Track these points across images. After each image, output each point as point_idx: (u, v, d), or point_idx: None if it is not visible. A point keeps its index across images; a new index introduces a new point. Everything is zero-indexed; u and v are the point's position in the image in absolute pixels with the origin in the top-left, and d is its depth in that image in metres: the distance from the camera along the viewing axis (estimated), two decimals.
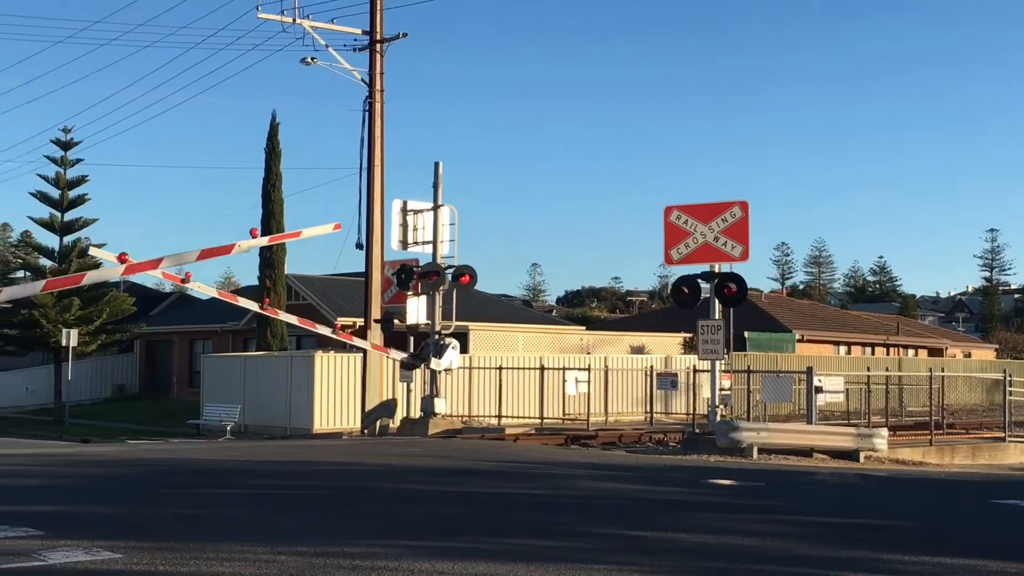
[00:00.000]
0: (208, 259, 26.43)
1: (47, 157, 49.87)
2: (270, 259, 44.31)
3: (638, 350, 49.81)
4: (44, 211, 50.11)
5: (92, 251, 32.96)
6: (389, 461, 22.25)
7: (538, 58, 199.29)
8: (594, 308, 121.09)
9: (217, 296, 30.17)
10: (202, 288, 28.30)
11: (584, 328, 61.26)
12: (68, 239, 50.25)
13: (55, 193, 49.73)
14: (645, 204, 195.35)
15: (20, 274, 55.94)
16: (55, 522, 12.75)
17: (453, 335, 32.30)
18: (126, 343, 55.19)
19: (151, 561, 10.26)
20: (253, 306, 30.11)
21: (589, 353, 45.80)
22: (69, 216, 50.08)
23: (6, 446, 29.47)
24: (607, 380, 37.76)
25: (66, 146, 49.58)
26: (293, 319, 30.55)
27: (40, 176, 50.03)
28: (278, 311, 31.35)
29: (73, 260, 49.46)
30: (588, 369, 37.17)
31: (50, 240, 50.84)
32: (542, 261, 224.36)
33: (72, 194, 49.93)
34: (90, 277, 27.80)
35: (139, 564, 10.13)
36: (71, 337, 44.53)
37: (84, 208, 50.63)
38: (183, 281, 26.30)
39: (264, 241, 31.24)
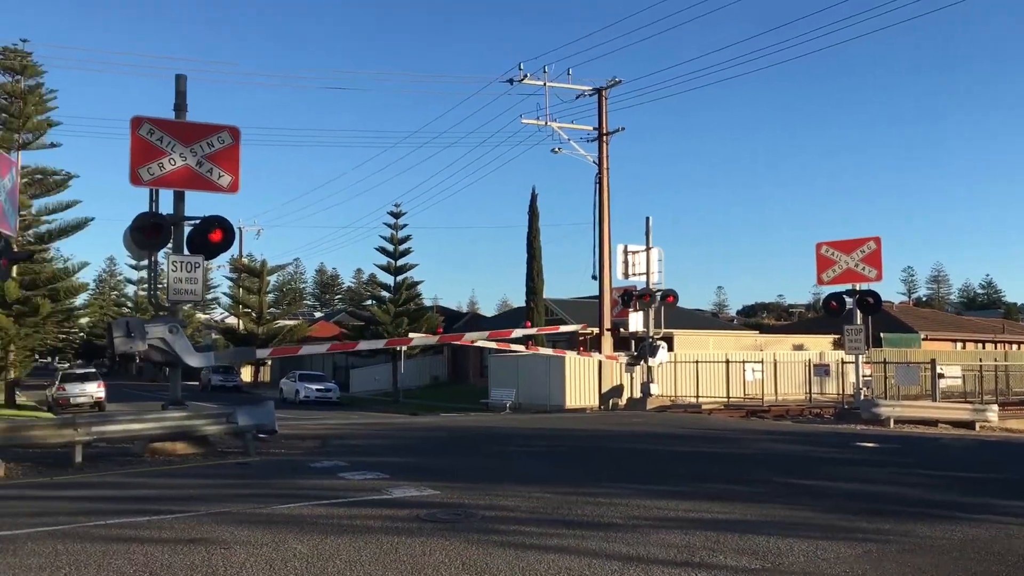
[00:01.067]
0: (494, 339, 27.01)
1: (385, 223, 52.42)
2: (533, 288, 44.90)
3: (798, 348, 47.78)
4: (383, 259, 52.52)
5: (411, 334, 34.04)
6: (619, 428, 22.17)
7: (711, 129, 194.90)
8: (764, 318, 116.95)
9: (495, 346, 29.99)
10: (483, 343, 28.33)
11: (757, 332, 59.24)
12: (399, 278, 52.42)
13: (390, 247, 51.99)
14: (799, 236, 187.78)
15: (369, 302, 58.58)
16: (396, 469, 13.29)
17: (662, 339, 31.99)
18: (439, 347, 56.98)
19: (459, 496, 10.55)
20: (521, 347, 30.33)
21: (762, 350, 44.24)
22: (399, 262, 52.25)
23: (364, 417, 30.99)
24: (776, 370, 36.49)
25: (396, 215, 51.86)
26: (549, 351, 31.16)
27: (381, 236, 52.56)
28: (538, 348, 31.50)
29: (403, 292, 51.58)
30: (761, 362, 36.07)
31: (387, 279, 53.23)
32: (724, 284, 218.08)
33: (401, 248, 52.11)
34: (416, 341, 28.82)
35: (451, 498, 10.44)
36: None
37: (409, 257, 52.75)
38: (471, 343, 26.94)
39: (533, 331, 31.16)
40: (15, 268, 31.76)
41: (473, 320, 69.37)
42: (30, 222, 37.98)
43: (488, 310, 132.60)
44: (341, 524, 8.85)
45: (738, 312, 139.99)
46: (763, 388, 34.82)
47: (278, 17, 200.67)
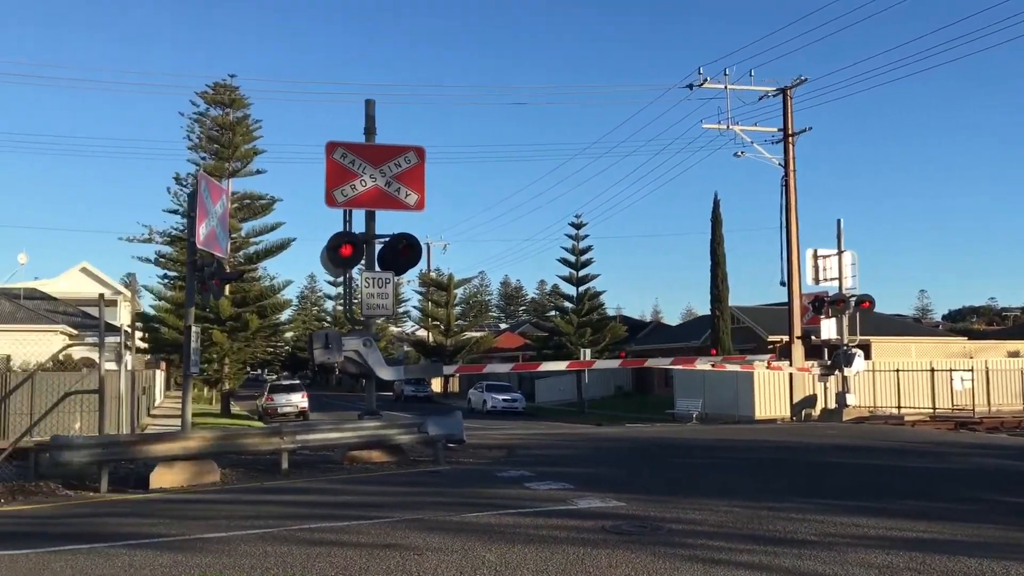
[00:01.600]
0: (678, 365, 26.41)
1: (566, 235, 52.89)
2: (718, 296, 43.92)
3: (1014, 354, 44.16)
4: (565, 271, 52.94)
5: (594, 359, 34.10)
6: (812, 439, 21.22)
7: (908, 127, 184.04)
8: (974, 323, 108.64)
9: (681, 368, 29.32)
10: (648, 365, 28.07)
11: (966, 338, 55.24)
12: (581, 288, 52.67)
13: (572, 258, 52.36)
14: (1015, 235, 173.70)
15: (552, 312, 59.13)
16: (581, 480, 13.32)
17: (858, 346, 30.46)
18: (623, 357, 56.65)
19: (644, 509, 10.45)
20: (707, 365, 29.72)
21: (971, 357, 41.23)
22: (581, 273, 52.50)
23: (549, 427, 31.29)
24: (988, 379, 33.95)
25: (577, 227, 52.16)
26: (736, 367, 30.27)
27: (563, 247, 53.04)
28: (724, 365, 30.89)
29: (585, 302, 51.77)
30: (971, 370, 33.62)
31: (569, 289, 53.59)
32: (927, 287, 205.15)
33: (583, 258, 52.36)
34: (598, 365, 29.31)
35: (636, 510, 10.35)
36: (586, 354, 46.61)
37: (590, 267, 52.90)
38: (667, 369, 26.55)
39: (719, 359, 30.59)
40: (227, 287, 34.37)
41: (656, 330, 68.55)
42: (240, 244, 41.03)
43: (672, 318, 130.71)
44: (528, 534, 8.98)
45: (943, 317, 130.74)
46: (973, 398, 32.45)
47: (454, 37, 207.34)
